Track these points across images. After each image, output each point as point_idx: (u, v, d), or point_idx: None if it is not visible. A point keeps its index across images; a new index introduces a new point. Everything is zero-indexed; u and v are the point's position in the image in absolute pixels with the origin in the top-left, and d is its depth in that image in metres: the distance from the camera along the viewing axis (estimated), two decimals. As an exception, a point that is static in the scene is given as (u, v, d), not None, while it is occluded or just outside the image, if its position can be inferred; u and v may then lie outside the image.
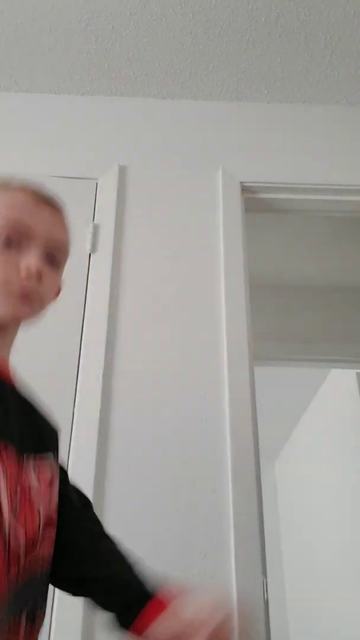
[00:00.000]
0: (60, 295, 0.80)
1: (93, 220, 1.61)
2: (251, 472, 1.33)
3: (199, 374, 1.43)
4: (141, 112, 1.84)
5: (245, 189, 1.71)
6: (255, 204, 1.74)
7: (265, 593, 1.24)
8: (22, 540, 0.60)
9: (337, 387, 3.22)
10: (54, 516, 0.68)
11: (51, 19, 1.63)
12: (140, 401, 1.38)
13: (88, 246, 1.57)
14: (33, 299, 0.70)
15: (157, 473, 1.31)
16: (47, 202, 0.75)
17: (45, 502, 0.66)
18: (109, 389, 1.38)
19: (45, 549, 0.65)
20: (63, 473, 0.77)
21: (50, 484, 0.68)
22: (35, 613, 0.64)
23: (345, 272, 2.66)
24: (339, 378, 3.16)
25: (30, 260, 0.69)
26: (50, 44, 1.70)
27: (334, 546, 2.99)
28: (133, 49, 1.71)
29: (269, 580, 1.28)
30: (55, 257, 0.74)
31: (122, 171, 1.70)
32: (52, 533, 0.67)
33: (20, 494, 0.61)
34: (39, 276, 0.69)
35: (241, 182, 1.70)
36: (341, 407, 3.12)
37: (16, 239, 0.70)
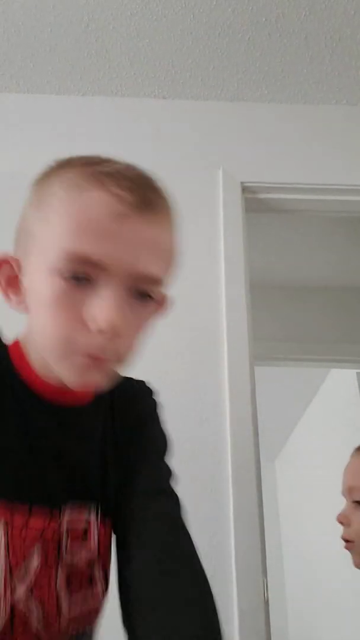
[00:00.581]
0: None
1: (93, 220, 1.61)
2: (251, 472, 1.33)
3: (199, 373, 1.43)
4: (142, 112, 1.84)
5: (245, 189, 1.71)
6: (256, 204, 1.74)
7: (266, 593, 1.24)
8: (38, 615, 0.51)
9: (338, 386, 3.22)
10: (93, 572, 0.57)
11: (52, 19, 1.63)
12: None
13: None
14: (106, 362, 0.51)
15: (157, 473, 1.31)
16: (140, 209, 0.49)
17: (76, 559, 0.55)
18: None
19: (78, 609, 0.55)
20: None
21: (84, 535, 0.56)
22: None
23: (346, 272, 2.66)
24: (339, 378, 3.16)
25: (102, 308, 0.48)
26: (51, 45, 1.70)
27: (335, 546, 2.98)
28: (134, 50, 1.71)
29: (269, 580, 1.28)
30: (146, 292, 0.52)
31: (123, 171, 1.70)
32: (90, 590, 0.56)
33: (42, 561, 0.51)
34: (114, 330, 0.48)
35: (242, 183, 1.70)
36: (341, 406, 3.12)
37: (85, 274, 0.49)
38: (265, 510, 1.37)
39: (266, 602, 1.24)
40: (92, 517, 0.57)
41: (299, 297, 2.69)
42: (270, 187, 1.72)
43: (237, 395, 1.41)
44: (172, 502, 0.61)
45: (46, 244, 0.50)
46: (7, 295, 0.56)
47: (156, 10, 1.60)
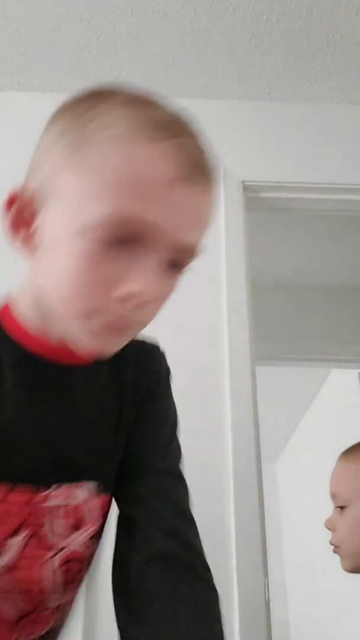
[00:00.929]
0: None
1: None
2: (252, 473, 1.33)
3: (200, 374, 1.43)
4: (142, 111, 1.83)
5: (246, 188, 1.70)
6: (257, 203, 1.73)
7: (267, 593, 1.24)
8: (18, 602, 0.49)
9: (339, 387, 3.21)
10: (85, 554, 0.54)
11: (53, 17, 1.63)
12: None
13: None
14: (130, 330, 0.50)
15: (158, 473, 1.30)
16: (192, 173, 0.45)
17: (72, 540, 0.52)
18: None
19: (68, 595, 0.54)
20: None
21: (78, 515, 0.53)
22: None
23: (347, 272, 2.65)
24: (341, 378, 3.15)
25: (140, 281, 0.45)
26: (51, 43, 1.70)
27: (336, 547, 2.97)
28: (134, 48, 1.70)
29: (270, 581, 1.27)
30: (179, 262, 0.49)
31: (124, 170, 1.69)
32: (80, 575, 0.54)
33: (26, 540, 0.48)
34: (150, 301, 0.46)
35: (243, 181, 1.70)
36: (342, 407, 3.12)
37: (129, 239, 0.45)
38: (266, 510, 1.36)
39: (267, 603, 1.23)
40: (87, 495, 0.53)
41: (300, 296, 2.69)
42: (271, 185, 1.72)
43: (238, 396, 1.40)
44: (181, 486, 0.60)
45: (81, 197, 0.44)
46: (13, 235, 0.50)
47: (157, 9, 1.59)
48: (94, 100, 0.48)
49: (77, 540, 0.52)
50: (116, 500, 0.57)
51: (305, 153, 1.77)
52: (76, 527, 0.52)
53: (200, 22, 1.62)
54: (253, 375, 1.46)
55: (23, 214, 0.49)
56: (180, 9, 1.59)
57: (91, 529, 0.54)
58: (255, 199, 1.72)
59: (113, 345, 0.50)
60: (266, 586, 1.24)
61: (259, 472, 1.35)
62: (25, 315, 0.53)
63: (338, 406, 3.21)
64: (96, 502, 0.54)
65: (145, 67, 1.76)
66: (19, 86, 1.83)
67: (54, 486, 0.51)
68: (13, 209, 0.50)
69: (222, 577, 1.22)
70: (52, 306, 0.49)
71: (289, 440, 4.20)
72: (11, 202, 0.50)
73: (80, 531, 0.53)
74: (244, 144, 1.79)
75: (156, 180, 0.43)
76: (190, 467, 1.31)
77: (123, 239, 0.44)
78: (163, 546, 0.53)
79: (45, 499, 0.50)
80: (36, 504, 0.49)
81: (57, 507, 0.51)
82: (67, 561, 0.52)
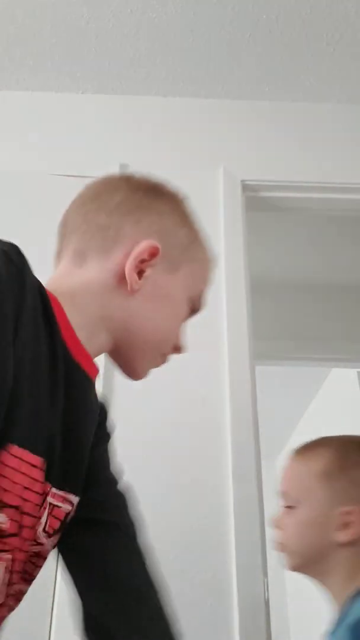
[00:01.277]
0: None
1: (94, 219, 1.60)
2: (252, 472, 1.33)
3: (199, 373, 1.43)
4: (142, 110, 1.83)
5: (246, 188, 1.71)
6: (257, 202, 1.73)
7: (266, 592, 1.24)
8: None
9: (338, 386, 3.21)
10: (48, 553, 0.57)
11: (52, 17, 1.62)
12: (140, 401, 1.38)
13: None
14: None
15: (157, 473, 1.30)
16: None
17: (47, 544, 0.54)
18: (110, 388, 1.38)
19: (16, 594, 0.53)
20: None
21: (62, 523, 0.55)
22: None
23: (347, 271, 2.65)
24: (340, 377, 3.15)
25: (184, 338, 0.68)
26: (51, 43, 1.70)
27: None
28: (134, 47, 1.70)
29: (270, 579, 1.27)
30: None
31: (123, 169, 1.69)
32: (36, 572, 0.55)
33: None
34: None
35: (242, 181, 1.70)
36: (342, 406, 3.12)
37: (195, 311, 0.69)
38: (266, 509, 1.36)
39: (266, 602, 1.23)
40: (74, 504, 0.56)
41: (299, 295, 2.68)
42: (270, 185, 1.72)
43: (237, 395, 1.40)
44: (134, 501, 0.68)
45: (196, 276, 0.68)
46: (134, 270, 0.60)
47: (156, 8, 1.59)
48: (188, 212, 0.71)
49: (53, 542, 0.55)
50: (82, 506, 0.59)
51: (304, 152, 1.77)
52: (59, 530, 0.55)
53: (199, 22, 1.62)
54: (252, 374, 1.46)
55: (148, 263, 0.61)
56: (180, 8, 1.59)
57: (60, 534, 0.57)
58: (254, 199, 1.72)
59: (148, 374, 0.65)
60: (266, 586, 1.24)
61: (259, 472, 1.35)
62: (74, 322, 0.55)
63: (338, 405, 3.21)
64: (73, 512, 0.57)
65: (145, 67, 1.76)
66: (18, 86, 1.83)
67: (55, 487, 0.52)
68: (147, 255, 0.61)
69: (222, 577, 1.22)
70: (143, 335, 0.62)
71: (289, 439, 4.20)
72: (152, 251, 0.61)
73: (59, 535, 0.56)
74: (243, 143, 1.79)
75: (210, 280, 0.72)
76: (191, 466, 1.32)
77: (193, 311, 0.68)
78: (145, 544, 0.62)
79: (49, 494, 0.51)
80: (44, 494, 0.50)
81: (54, 506, 0.53)
82: (34, 556, 0.53)
